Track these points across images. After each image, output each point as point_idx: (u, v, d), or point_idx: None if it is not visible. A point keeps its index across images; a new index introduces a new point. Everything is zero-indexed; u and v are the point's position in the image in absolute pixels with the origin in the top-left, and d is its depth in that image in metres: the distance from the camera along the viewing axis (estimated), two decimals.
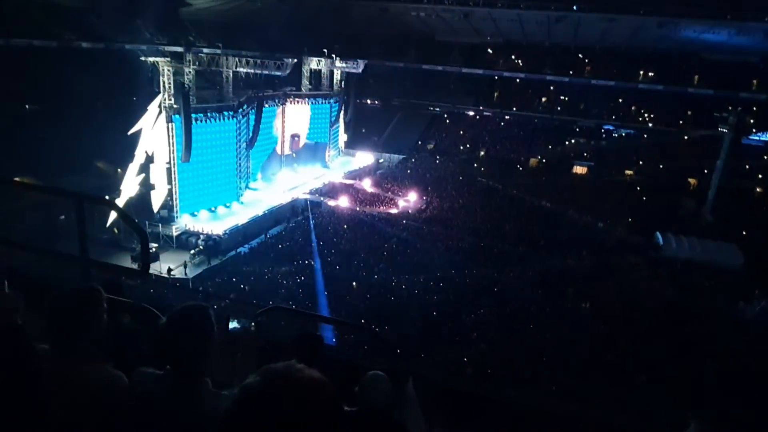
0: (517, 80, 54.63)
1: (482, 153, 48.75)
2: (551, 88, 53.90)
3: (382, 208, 34.06)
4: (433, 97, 54.74)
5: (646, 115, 50.35)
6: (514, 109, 53.07)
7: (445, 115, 54.60)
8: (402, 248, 26.37)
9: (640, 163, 44.46)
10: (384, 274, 23.19)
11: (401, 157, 48.23)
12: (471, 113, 54.54)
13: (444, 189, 38.39)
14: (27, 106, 32.46)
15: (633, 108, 51.01)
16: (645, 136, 48.30)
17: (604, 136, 50.15)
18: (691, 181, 41.41)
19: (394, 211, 33.61)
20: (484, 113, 54.02)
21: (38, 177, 22.83)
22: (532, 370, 15.81)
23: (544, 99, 54.31)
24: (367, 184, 39.24)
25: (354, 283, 22.15)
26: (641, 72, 51.51)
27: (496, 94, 55.34)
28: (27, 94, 32.29)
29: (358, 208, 33.23)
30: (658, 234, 29.55)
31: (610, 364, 16.65)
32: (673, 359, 16.54)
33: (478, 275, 23.37)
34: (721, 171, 35.19)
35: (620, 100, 51.15)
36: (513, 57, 55.68)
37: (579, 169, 45.66)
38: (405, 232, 28.48)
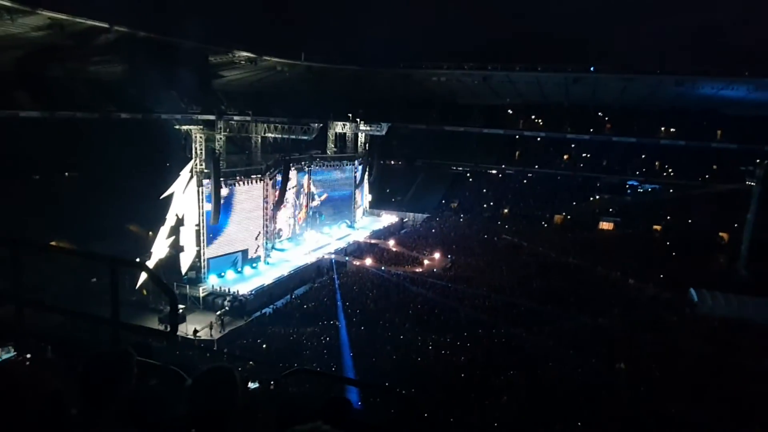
0: (538, 139, 55.29)
1: (506, 211, 48.68)
2: (572, 145, 54.29)
3: (407, 267, 33.86)
4: (455, 157, 55.60)
5: (670, 170, 49.96)
6: (536, 167, 53.39)
7: (468, 175, 55.20)
8: (428, 307, 25.93)
9: (668, 218, 43.66)
10: (410, 334, 22.71)
11: (425, 216, 48.52)
12: (493, 172, 55.08)
13: (469, 247, 38.13)
14: (67, 174, 34.06)
15: (656, 163, 50.75)
16: (671, 190, 47.71)
17: (628, 191, 49.72)
18: (723, 235, 40.29)
19: (419, 270, 33.40)
20: (507, 171, 54.51)
21: (74, 241, 23.60)
22: None
23: (565, 156, 54.58)
24: (392, 244, 39.28)
25: (380, 344, 21.70)
26: (662, 128, 51.65)
27: (517, 153, 55.92)
28: (68, 163, 33.97)
29: (383, 268, 33.11)
30: (692, 291, 28.48)
31: (650, 428, 15.64)
32: (720, 423, 15.47)
33: (506, 334, 22.69)
34: (753, 224, 34.21)
35: (643, 156, 51.04)
36: (533, 117, 56.70)
37: (605, 225, 45.01)
38: (431, 291, 28.09)
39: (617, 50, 51.94)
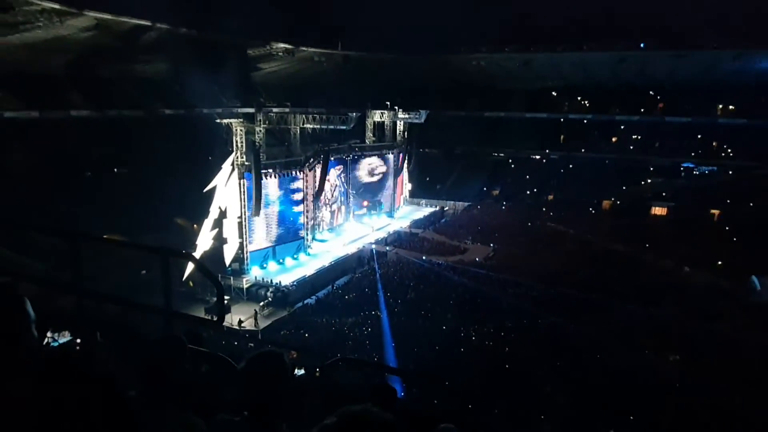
0: (584, 121, 53.67)
1: (550, 197, 47.70)
2: (621, 127, 52.40)
3: (448, 256, 33.85)
4: (496, 143, 54.77)
5: (729, 150, 47.50)
6: (582, 150, 51.83)
7: (510, 161, 54.30)
8: (470, 297, 25.87)
9: (727, 201, 41.61)
10: (452, 324, 22.75)
11: (466, 204, 48.19)
12: (537, 157, 53.92)
13: (511, 235, 37.68)
14: (116, 170, 35.59)
15: (713, 144, 48.38)
16: (729, 172, 45.41)
17: (683, 174, 47.63)
18: None
19: (460, 259, 33.31)
20: (551, 156, 53.24)
21: (124, 235, 24.71)
22: (617, 430, 14.64)
23: (614, 139, 52.75)
24: (432, 233, 39.22)
25: (421, 334, 21.81)
26: (719, 106, 49.13)
27: (562, 137, 54.48)
28: (117, 159, 35.49)
29: (424, 257, 33.22)
30: (754, 278, 27.16)
31: (706, 424, 15.11)
32: None
33: (551, 325, 22.32)
34: None
35: (699, 137, 48.74)
36: (578, 98, 55.00)
37: (658, 210, 43.38)
38: (473, 281, 28.02)
39: (666, 25, 49.48)
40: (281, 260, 31.92)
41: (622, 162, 49.32)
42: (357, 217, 41.08)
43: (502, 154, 54.93)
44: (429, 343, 20.88)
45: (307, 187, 33.51)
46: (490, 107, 54.74)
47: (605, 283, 26.65)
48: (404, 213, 46.39)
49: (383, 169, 43.06)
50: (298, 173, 32.84)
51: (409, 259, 32.84)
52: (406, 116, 43.56)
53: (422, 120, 43.42)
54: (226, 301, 25.18)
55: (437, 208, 48.10)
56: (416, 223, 42.70)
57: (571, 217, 40.53)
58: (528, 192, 49.02)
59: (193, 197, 28.82)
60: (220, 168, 29.15)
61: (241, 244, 29.90)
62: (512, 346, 20.73)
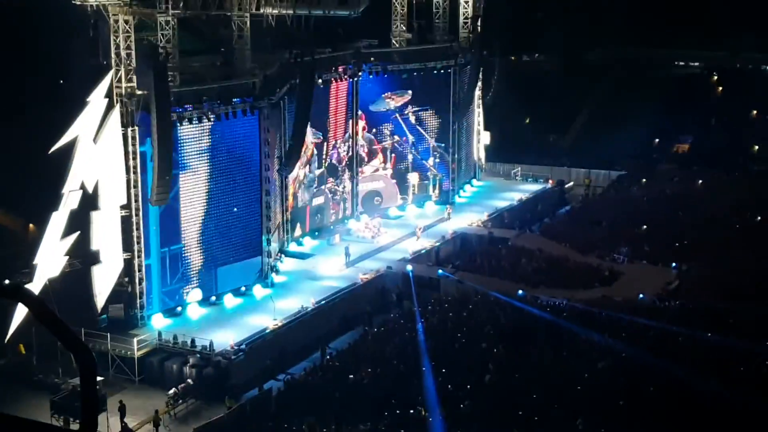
0: None
1: None
2: None
3: (577, 290, 33.84)
4: (683, 42, 54.55)
5: None
6: None
7: (715, 77, 54.27)
8: (628, 381, 25.74)
9: None
10: None
11: (616, 174, 48.53)
12: None
13: (720, 241, 37.50)
14: None
15: None
16: None
17: None
18: None
19: (605, 295, 33.28)
20: None
21: None
22: None
23: None
24: (540, 237, 39.22)
25: None
26: None
27: None
28: None
29: (522, 291, 33.21)
30: None
31: None
32: None
33: None
34: None
35: None
36: None
37: None
38: (633, 344, 27.86)
39: None
40: (214, 298, 32.17)
41: None
42: (372, 207, 41.13)
43: (697, 63, 54.92)
44: None
45: (268, 143, 33.51)
46: None
47: None
48: (476, 194, 46.53)
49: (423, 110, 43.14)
50: (249, 113, 32.93)
51: (489, 296, 32.81)
52: None
53: None
54: (99, 387, 25.34)
55: (549, 184, 48.19)
56: (502, 218, 42.84)
57: None
58: (755, 146, 48.88)
59: (26, 162, 28.91)
60: (85, 102, 29.24)
61: (130, 264, 30.13)
62: None
